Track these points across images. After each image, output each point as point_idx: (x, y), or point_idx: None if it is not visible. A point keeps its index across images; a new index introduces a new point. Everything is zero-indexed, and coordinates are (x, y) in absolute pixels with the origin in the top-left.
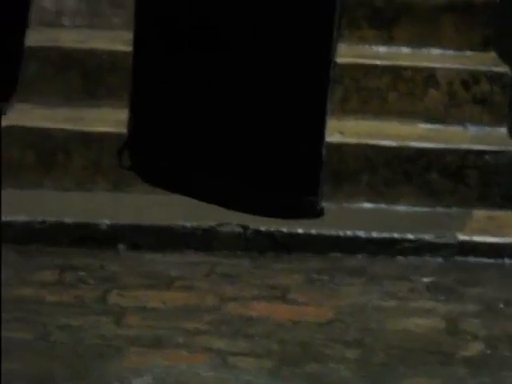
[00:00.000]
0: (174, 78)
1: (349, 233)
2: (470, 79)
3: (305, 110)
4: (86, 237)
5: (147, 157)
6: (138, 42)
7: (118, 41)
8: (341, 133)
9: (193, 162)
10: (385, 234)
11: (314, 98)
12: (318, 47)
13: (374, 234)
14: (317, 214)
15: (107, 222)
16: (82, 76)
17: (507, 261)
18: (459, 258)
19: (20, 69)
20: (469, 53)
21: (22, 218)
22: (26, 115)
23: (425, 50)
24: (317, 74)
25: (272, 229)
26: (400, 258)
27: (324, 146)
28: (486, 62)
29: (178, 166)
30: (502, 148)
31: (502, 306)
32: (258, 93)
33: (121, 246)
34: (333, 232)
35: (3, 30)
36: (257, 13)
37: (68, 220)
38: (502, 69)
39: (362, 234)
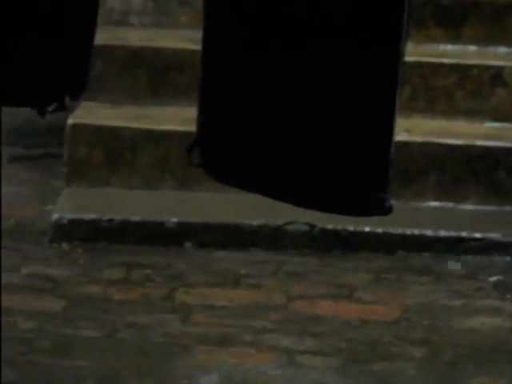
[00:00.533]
0: (245, 76)
1: (416, 231)
2: None
3: (375, 108)
4: (153, 235)
5: (217, 155)
6: (207, 40)
7: (184, 39)
8: (408, 131)
9: (263, 160)
10: (452, 233)
11: (384, 97)
12: (387, 46)
13: (442, 233)
14: (386, 211)
15: (174, 219)
16: (149, 74)
17: None
18: None
19: (89, 67)
20: None
21: (89, 216)
22: (93, 113)
23: (492, 49)
24: (386, 72)
25: (339, 227)
26: (467, 257)
27: (393, 145)
28: None
29: (248, 164)
30: None
31: None
32: (330, 92)
33: (188, 244)
34: (400, 230)
35: (73, 30)
36: (330, 12)
37: (135, 218)
38: None
39: (429, 232)
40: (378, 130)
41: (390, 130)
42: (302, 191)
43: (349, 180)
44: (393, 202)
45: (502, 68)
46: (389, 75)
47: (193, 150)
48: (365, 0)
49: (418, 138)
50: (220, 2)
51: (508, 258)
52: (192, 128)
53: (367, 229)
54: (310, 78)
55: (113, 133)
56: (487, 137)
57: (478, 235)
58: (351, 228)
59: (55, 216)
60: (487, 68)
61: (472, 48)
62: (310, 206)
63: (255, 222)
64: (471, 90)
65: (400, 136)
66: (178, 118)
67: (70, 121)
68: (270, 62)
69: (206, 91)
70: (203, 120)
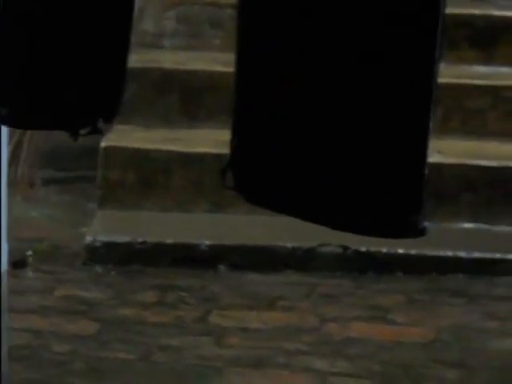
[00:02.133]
0: (278, 98)
1: (449, 253)
2: None
3: (408, 129)
4: (187, 257)
5: (250, 177)
6: (240, 62)
7: (217, 62)
8: (441, 152)
9: (296, 182)
10: (485, 254)
11: (417, 118)
12: (421, 67)
13: (475, 254)
14: (419, 233)
15: (208, 242)
16: (182, 97)
17: None
18: None
19: (122, 90)
20: None
21: (123, 238)
22: (126, 136)
23: None
24: (420, 94)
25: (372, 249)
26: (501, 278)
27: (426, 166)
28: None
29: (281, 186)
30: None
31: None
32: (363, 112)
33: (221, 267)
34: (433, 252)
35: (107, 53)
36: (361, 34)
37: (169, 240)
38: None
39: (462, 254)
40: (411, 151)
41: (423, 151)
42: (335, 213)
43: (382, 202)
44: (427, 223)
45: None
46: (423, 96)
47: (226, 172)
48: (400, 21)
49: (451, 160)
50: (253, 25)
51: None
52: (225, 150)
53: (401, 250)
54: (342, 101)
55: (146, 155)
56: None
57: (511, 257)
58: (384, 250)
59: (88, 238)
60: None
61: (505, 69)
62: (344, 228)
63: (288, 244)
64: (504, 111)
65: (433, 157)
66: (211, 140)
67: (103, 143)
68: (304, 85)
69: (239, 113)
70: (236, 142)
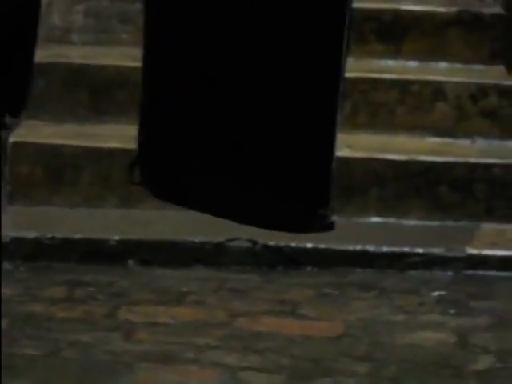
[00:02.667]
0: (184, 94)
1: (358, 247)
2: (478, 93)
3: (315, 124)
4: (96, 253)
5: (157, 172)
6: (147, 56)
7: (126, 57)
8: (350, 147)
9: (202, 177)
10: (394, 248)
11: (325, 113)
12: (327, 62)
13: (384, 248)
14: (328, 227)
15: (116, 237)
16: (91, 92)
17: None
18: (469, 272)
19: (30, 85)
20: (477, 66)
21: (31, 234)
22: (35, 131)
23: (433, 64)
24: (327, 89)
25: (281, 243)
26: (410, 272)
27: (334, 160)
28: (494, 75)
29: (187, 182)
30: (511, 161)
31: None
32: (270, 107)
33: (130, 262)
34: (342, 246)
35: (13, 47)
36: (268, 29)
37: (77, 236)
38: (511, 82)
39: (371, 248)
40: (318, 146)
41: (331, 146)
42: (242, 208)
43: (290, 197)
44: (335, 218)
45: (442, 83)
46: (330, 91)
47: (133, 168)
48: (305, 15)
49: (359, 154)
50: (159, 19)
51: (450, 273)
52: (134, 146)
53: (310, 245)
54: (249, 95)
55: (54, 151)
56: (428, 152)
57: (420, 250)
58: (293, 244)
59: None
60: (428, 83)
61: (413, 63)
62: (251, 223)
63: (197, 239)
64: (412, 106)
65: (341, 152)
66: (120, 135)
67: (12, 139)
68: (210, 81)
69: (146, 109)
70: (143, 138)
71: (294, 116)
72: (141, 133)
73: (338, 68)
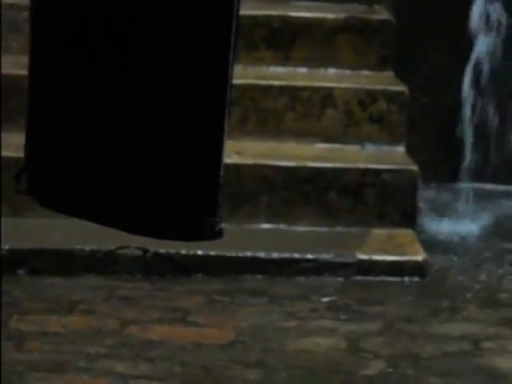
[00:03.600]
0: (69, 102)
1: (248, 253)
2: (367, 98)
3: (203, 132)
4: None
5: (44, 181)
6: (32, 65)
7: (16, 65)
8: (239, 154)
9: (90, 186)
10: (285, 255)
11: (212, 120)
12: (214, 70)
13: (274, 255)
14: (216, 235)
15: (6, 246)
16: None
17: (407, 279)
18: (359, 277)
19: None
20: (366, 72)
21: None
22: None
23: (322, 70)
24: (214, 97)
25: (171, 251)
26: (300, 278)
27: (222, 168)
28: (383, 81)
29: (74, 190)
30: (400, 167)
31: (402, 324)
32: (156, 116)
33: (20, 271)
34: (233, 253)
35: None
36: (153, 35)
37: None
38: (399, 88)
39: (261, 254)
40: (206, 154)
41: (219, 153)
42: (130, 217)
43: (178, 205)
44: (224, 225)
45: (331, 89)
46: (217, 98)
47: (20, 177)
48: (191, 23)
49: (248, 161)
50: (44, 28)
51: (340, 279)
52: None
53: (200, 252)
54: (135, 103)
55: None
56: (318, 158)
57: (310, 256)
58: (184, 252)
59: None
60: (317, 89)
61: (302, 70)
62: (140, 233)
63: (87, 248)
64: (301, 112)
65: (230, 159)
66: (11, 144)
67: None
68: (93, 91)
69: (31, 118)
70: (29, 146)
71: (180, 124)
72: (27, 141)
73: (226, 75)
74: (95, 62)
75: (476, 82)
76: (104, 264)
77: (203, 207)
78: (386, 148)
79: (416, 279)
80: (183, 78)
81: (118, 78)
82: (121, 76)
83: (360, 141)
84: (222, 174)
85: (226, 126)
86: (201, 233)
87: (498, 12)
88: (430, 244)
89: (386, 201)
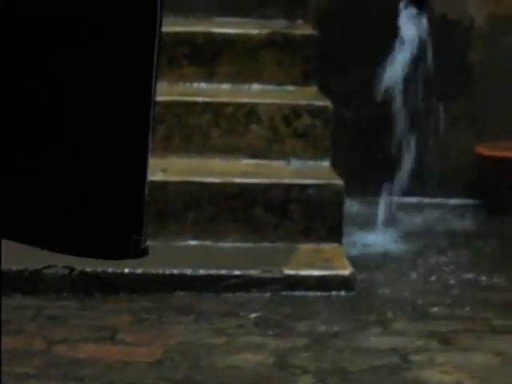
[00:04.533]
0: None
1: (175, 271)
2: (292, 114)
3: (126, 150)
4: None
5: None
6: None
7: None
8: (164, 171)
9: (13, 204)
10: (211, 271)
11: (135, 138)
12: (137, 87)
13: (201, 271)
14: (141, 253)
15: None
16: None
17: (334, 293)
18: (286, 293)
19: None
20: (290, 87)
21: None
22: None
23: (246, 86)
24: (137, 114)
25: (98, 270)
26: (228, 295)
27: (147, 185)
28: (307, 96)
29: None
30: (325, 181)
31: (330, 338)
32: (79, 134)
33: None
34: (159, 270)
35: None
36: (74, 53)
37: None
38: (323, 103)
39: (188, 271)
40: (130, 172)
41: (142, 171)
42: (54, 236)
43: (102, 223)
44: (150, 242)
45: (255, 105)
46: (140, 116)
47: None
48: (113, 41)
49: (174, 178)
50: None
51: (268, 294)
52: None
53: (127, 270)
54: (57, 119)
55: None
56: (243, 174)
57: (237, 272)
58: (110, 270)
59: None
60: (241, 105)
61: (226, 86)
62: (65, 251)
63: (14, 267)
64: (226, 128)
65: (156, 176)
66: None
67: None
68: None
69: None
70: None
71: (103, 142)
72: None
73: (149, 92)
74: (18, 70)
75: (400, 96)
76: (31, 283)
77: (128, 225)
78: (311, 163)
79: (343, 293)
80: (106, 95)
81: (42, 91)
82: (45, 89)
83: (285, 156)
84: (146, 191)
85: (149, 143)
86: (126, 251)
87: (420, 28)
88: (357, 258)
89: (311, 216)
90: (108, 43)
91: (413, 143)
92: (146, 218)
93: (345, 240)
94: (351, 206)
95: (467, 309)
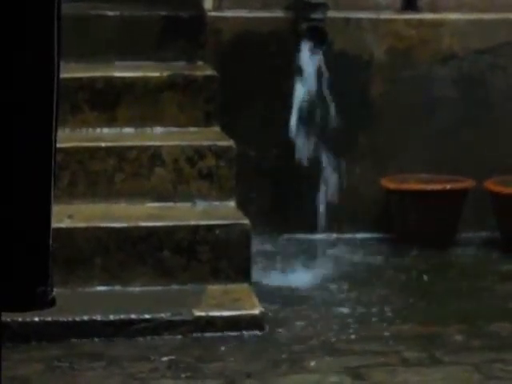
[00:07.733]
0: None
1: (85, 317)
2: (195, 155)
3: (28, 200)
4: None
5: None
6: None
7: None
8: (70, 217)
9: None
10: (121, 316)
11: (37, 188)
12: (37, 136)
13: (111, 317)
14: (48, 303)
15: None
16: None
17: (245, 333)
18: (198, 334)
19: None
20: (192, 129)
21: None
22: None
23: (148, 129)
24: (38, 163)
25: (7, 319)
26: (139, 339)
27: (51, 235)
28: (210, 136)
29: None
30: (232, 221)
31: (243, 379)
32: None
33: None
34: (69, 318)
35: None
36: None
37: None
38: (226, 143)
39: (98, 317)
40: (32, 222)
41: (46, 220)
42: None
43: (7, 276)
44: (59, 289)
45: (159, 148)
46: (41, 164)
47: None
48: (12, 87)
49: (80, 224)
50: None
51: (179, 337)
52: None
53: (36, 319)
54: None
55: None
56: (149, 217)
57: (147, 316)
58: (20, 319)
59: None
60: (145, 149)
61: (129, 130)
62: None
63: None
64: (130, 172)
65: (62, 223)
66: None
67: None
68: None
69: None
70: None
71: (5, 192)
72: None
73: (49, 140)
74: None
75: (303, 131)
76: None
77: (34, 277)
78: (216, 203)
79: (254, 332)
80: (6, 144)
81: None
82: None
83: (190, 198)
84: (51, 241)
85: (52, 193)
86: (33, 303)
87: (318, 61)
88: (266, 296)
89: (219, 256)
90: (5, 93)
91: (319, 181)
92: (52, 268)
93: (254, 278)
94: (259, 244)
95: (378, 343)
